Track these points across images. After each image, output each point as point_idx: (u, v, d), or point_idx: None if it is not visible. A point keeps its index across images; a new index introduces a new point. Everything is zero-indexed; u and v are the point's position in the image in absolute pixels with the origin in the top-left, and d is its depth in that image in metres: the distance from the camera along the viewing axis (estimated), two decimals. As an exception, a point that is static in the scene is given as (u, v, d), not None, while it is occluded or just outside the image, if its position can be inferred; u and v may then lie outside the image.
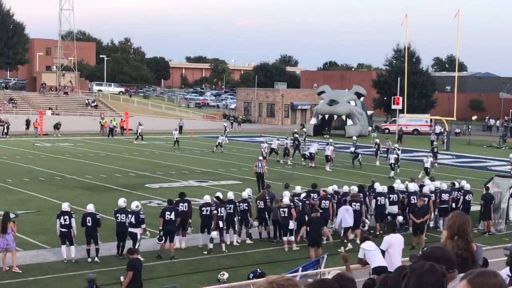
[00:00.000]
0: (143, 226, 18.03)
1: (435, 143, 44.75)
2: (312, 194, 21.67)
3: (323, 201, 20.96)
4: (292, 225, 19.71)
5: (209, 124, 72.43)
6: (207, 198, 19.96)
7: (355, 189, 21.97)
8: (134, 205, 18.31)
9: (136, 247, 17.52)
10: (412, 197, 22.18)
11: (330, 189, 22.25)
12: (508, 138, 63.09)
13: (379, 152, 41.84)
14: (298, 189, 22.10)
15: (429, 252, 3.92)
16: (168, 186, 30.86)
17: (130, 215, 18.02)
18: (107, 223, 20.48)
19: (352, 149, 41.55)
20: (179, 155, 44.78)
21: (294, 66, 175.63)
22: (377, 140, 43.66)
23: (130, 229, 17.95)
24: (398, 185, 23.35)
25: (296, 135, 45.18)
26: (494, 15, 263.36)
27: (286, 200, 19.92)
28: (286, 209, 19.60)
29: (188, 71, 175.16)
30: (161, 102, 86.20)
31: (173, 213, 18.67)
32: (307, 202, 20.76)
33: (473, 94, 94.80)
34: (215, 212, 19.21)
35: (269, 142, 43.00)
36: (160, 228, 18.60)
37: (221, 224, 19.25)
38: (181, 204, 19.78)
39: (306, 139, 52.50)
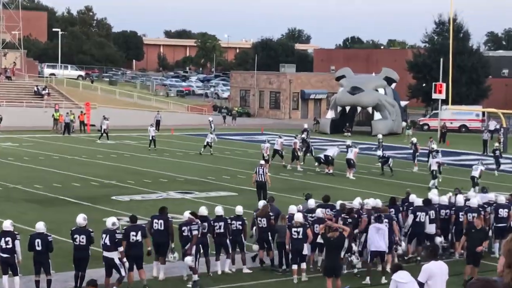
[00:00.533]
0: (121, 249, 18.05)
1: (496, 145, 44.06)
2: (324, 208, 21.67)
3: (340, 218, 20.96)
4: (306, 249, 19.71)
5: (195, 118, 72.49)
6: (186, 215, 19.91)
7: (370, 203, 21.91)
8: (110, 222, 18.36)
9: (123, 275, 17.70)
10: (461, 213, 22.15)
11: (356, 202, 22.25)
12: None
13: (417, 154, 41.81)
14: (311, 203, 22.09)
15: (472, 286, 3.92)
16: (141, 199, 30.86)
17: (104, 235, 18.10)
18: (61, 247, 20.43)
19: (380, 152, 41.49)
20: (156, 158, 44.78)
21: (305, 43, 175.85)
22: (414, 139, 43.62)
23: (105, 254, 18.06)
24: (435, 197, 23.34)
25: (305, 135, 45.10)
26: None
27: (299, 217, 19.89)
28: (300, 229, 19.57)
29: (168, 49, 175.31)
30: (132, 89, 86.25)
31: (139, 233, 18.67)
32: (349, 220, 20.72)
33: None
34: (195, 232, 19.18)
35: (271, 142, 43.03)
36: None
37: (195, 247, 19.24)
38: (155, 221, 19.78)
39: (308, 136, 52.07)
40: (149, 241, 19.19)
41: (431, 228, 21.93)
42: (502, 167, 43.15)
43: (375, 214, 20.91)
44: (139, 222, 19.85)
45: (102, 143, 51.77)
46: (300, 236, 19.56)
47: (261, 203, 22.26)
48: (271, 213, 21.16)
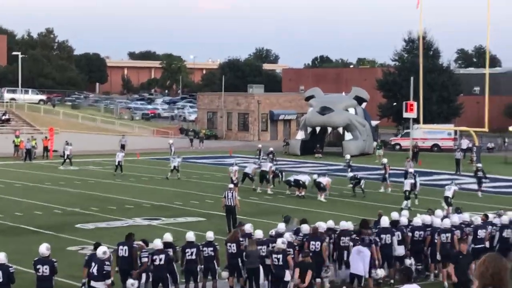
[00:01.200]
0: (108, 281, 17.94)
1: (479, 165, 43.14)
2: (299, 234, 21.66)
3: (312, 242, 20.92)
4: (288, 276, 19.62)
5: (161, 141, 72.29)
6: (158, 244, 19.78)
7: (322, 225, 21.99)
8: (101, 251, 18.24)
9: None
10: (439, 234, 22.25)
11: (323, 225, 22.25)
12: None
13: (387, 176, 42.14)
14: (281, 227, 22.05)
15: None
16: (106, 226, 30.68)
17: (93, 264, 18.06)
18: (24, 278, 20.19)
19: (351, 173, 41.74)
20: (121, 184, 44.55)
21: (273, 63, 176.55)
22: (385, 160, 43.92)
23: (93, 283, 18.04)
24: (403, 218, 23.45)
25: (269, 157, 45.10)
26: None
27: (280, 243, 19.81)
28: (280, 256, 19.47)
29: (132, 71, 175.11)
30: (95, 113, 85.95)
31: None
32: (358, 242, 20.75)
33: (509, 97, 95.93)
34: (144, 260, 19.10)
35: (240, 165, 42.96)
36: (84, 281, 18.53)
37: (144, 276, 19.13)
38: (121, 247, 19.68)
39: (262, 157, 52.38)
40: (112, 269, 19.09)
41: (399, 250, 22.04)
42: (474, 186, 43.46)
43: (358, 237, 21.05)
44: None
45: (65, 169, 51.43)
46: (281, 263, 19.48)
47: (248, 226, 22.09)
48: (241, 239, 21.12)
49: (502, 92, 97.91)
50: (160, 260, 19.31)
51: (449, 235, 21.97)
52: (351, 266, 20.07)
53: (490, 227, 23.60)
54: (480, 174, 41.80)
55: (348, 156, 47.05)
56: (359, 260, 19.88)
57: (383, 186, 42.04)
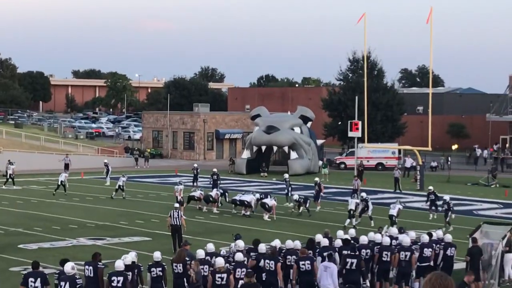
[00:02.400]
0: None
1: (431, 188, 41.38)
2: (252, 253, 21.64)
3: (267, 261, 20.84)
4: None
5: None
6: (120, 265, 19.33)
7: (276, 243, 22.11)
8: (69, 267, 17.94)
9: None
10: (385, 253, 22.42)
11: (274, 243, 22.30)
12: (499, 173, 64.88)
13: (321, 194, 42.41)
14: (240, 244, 21.96)
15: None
16: (50, 247, 30.27)
17: (63, 283, 17.80)
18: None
19: (296, 195, 41.14)
20: (65, 203, 44.09)
21: (219, 82, 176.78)
22: (317, 179, 44.10)
23: None
24: (350, 237, 23.64)
25: (213, 178, 45.55)
26: (478, 14, 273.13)
27: (221, 262, 19.59)
28: (224, 275, 19.29)
29: (76, 90, 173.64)
30: (39, 132, 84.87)
31: (38, 280, 18.26)
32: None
33: (452, 117, 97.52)
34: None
35: (186, 184, 42.82)
36: None
37: None
38: (86, 267, 19.38)
39: (198, 176, 52.70)
40: None
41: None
42: (418, 205, 43.98)
43: (326, 253, 21.14)
44: (52, 270, 19.43)
45: (8, 189, 50.76)
46: (224, 282, 19.26)
47: (210, 246, 21.93)
48: (187, 258, 20.96)
49: (445, 111, 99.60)
50: (118, 282, 18.88)
51: (408, 253, 22.16)
52: (320, 282, 20.09)
53: (434, 245, 23.87)
54: (432, 197, 40.48)
55: (286, 175, 46.97)
56: (328, 275, 19.95)
57: (316, 205, 42.09)
